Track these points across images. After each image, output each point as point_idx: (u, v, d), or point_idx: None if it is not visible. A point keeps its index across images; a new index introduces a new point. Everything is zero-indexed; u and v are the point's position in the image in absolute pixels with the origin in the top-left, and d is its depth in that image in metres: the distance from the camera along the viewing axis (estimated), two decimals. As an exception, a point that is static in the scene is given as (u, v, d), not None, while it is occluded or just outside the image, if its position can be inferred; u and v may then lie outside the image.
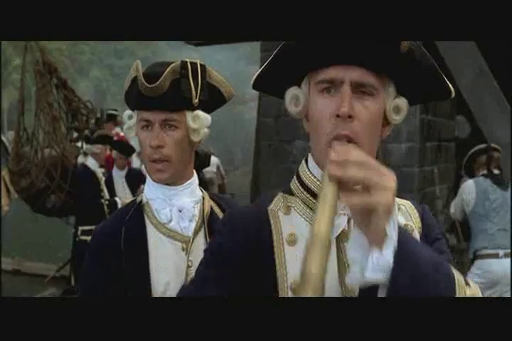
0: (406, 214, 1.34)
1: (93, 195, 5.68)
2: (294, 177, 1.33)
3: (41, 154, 6.61)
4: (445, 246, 1.36)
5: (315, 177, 1.27)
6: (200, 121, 1.73)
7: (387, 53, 1.19)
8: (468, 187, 4.88)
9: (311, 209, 1.26)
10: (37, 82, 6.70)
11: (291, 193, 1.30)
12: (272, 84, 1.32)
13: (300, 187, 1.29)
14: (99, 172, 5.97)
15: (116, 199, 5.76)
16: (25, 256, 7.49)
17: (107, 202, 5.63)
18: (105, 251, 1.68)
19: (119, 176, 6.27)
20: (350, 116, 1.17)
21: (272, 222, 1.26)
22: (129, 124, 1.77)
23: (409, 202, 1.38)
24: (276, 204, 1.29)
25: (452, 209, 5.12)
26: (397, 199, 1.35)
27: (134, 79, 1.69)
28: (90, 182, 5.75)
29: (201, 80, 1.71)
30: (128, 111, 1.78)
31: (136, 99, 1.70)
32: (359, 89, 1.19)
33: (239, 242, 1.23)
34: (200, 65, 1.73)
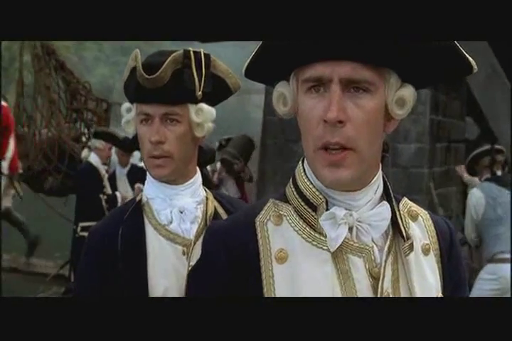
0: (422, 227, 1.19)
1: (95, 191, 5.60)
2: (290, 180, 1.17)
3: (39, 136, 6.59)
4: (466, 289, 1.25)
5: (310, 182, 1.12)
6: (203, 114, 1.61)
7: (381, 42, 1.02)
8: (476, 195, 4.68)
9: (304, 220, 1.11)
10: (34, 66, 6.67)
11: (285, 199, 1.15)
12: (260, 76, 1.18)
13: (295, 192, 1.14)
14: (103, 169, 5.90)
15: (117, 193, 5.66)
16: (23, 253, 7.41)
17: (105, 197, 5.53)
18: (101, 252, 1.57)
19: (121, 173, 6.20)
20: (340, 121, 1.02)
21: (259, 236, 1.10)
22: (127, 118, 1.65)
23: (427, 213, 1.22)
24: (266, 214, 1.13)
25: (466, 230, 4.80)
26: (415, 207, 1.21)
27: (133, 70, 1.56)
28: (93, 179, 5.68)
29: (205, 71, 1.58)
30: (126, 104, 1.65)
31: (134, 90, 1.58)
32: (352, 86, 1.03)
33: (222, 263, 1.10)
34: (204, 54, 1.60)
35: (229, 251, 1.10)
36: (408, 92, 1.10)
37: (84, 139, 6.94)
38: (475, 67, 1.08)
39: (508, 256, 4.45)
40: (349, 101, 1.03)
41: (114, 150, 6.14)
